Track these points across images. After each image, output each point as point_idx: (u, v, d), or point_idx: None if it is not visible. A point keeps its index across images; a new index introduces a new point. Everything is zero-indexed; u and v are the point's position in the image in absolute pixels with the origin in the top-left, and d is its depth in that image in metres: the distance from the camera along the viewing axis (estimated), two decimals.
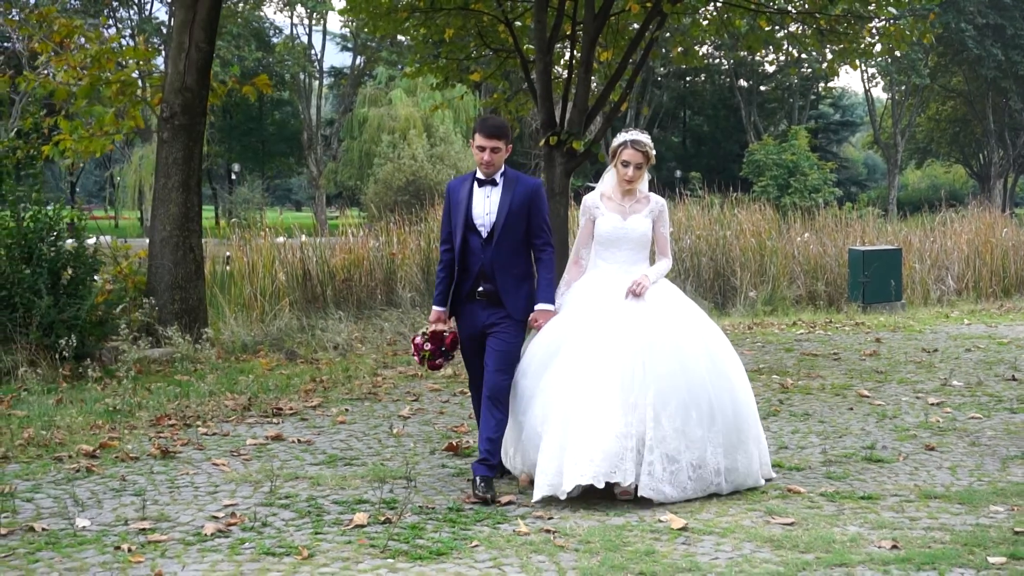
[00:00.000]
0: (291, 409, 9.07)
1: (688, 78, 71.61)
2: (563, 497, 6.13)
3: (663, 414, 6.23)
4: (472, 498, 6.34)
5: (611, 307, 6.55)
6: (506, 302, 6.57)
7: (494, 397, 6.54)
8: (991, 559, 5.18)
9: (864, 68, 62.91)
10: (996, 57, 57.55)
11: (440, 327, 6.81)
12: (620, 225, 6.77)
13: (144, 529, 5.75)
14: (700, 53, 63.41)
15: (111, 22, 57.64)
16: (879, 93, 71.83)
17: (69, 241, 11.75)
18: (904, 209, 52.85)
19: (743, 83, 68.69)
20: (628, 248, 6.77)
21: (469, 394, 7.37)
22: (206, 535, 5.65)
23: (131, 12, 61.07)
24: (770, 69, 65.42)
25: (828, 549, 5.36)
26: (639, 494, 6.16)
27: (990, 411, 8.99)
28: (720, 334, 6.83)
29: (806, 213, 26.23)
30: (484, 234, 6.57)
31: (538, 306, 6.65)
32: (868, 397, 9.61)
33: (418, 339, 6.87)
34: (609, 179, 6.91)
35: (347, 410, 9.16)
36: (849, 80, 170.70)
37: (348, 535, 5.65)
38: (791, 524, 5.82)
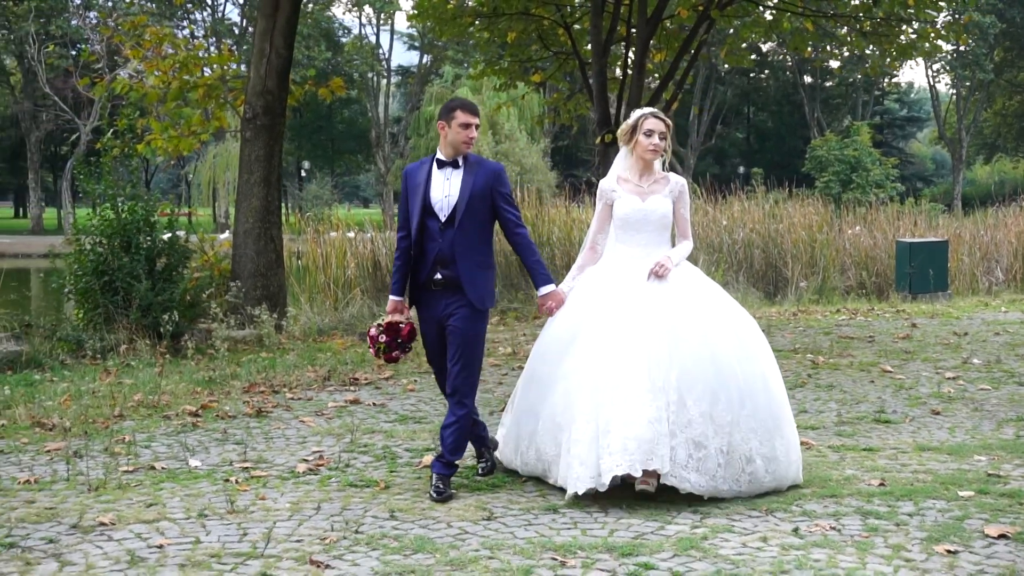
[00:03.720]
0: (366, 379, 10.15)
1: (752, 74, 72.04)
2: (603, 489, 5.91)
3: (688, 397, 5.99)
4: (431, 496, 6.17)
5: (633, 290, 6.32)
6: (467, 290, 6.26)
7: (457, 392, 6.30)
8: (961, 493, 6.10)
9: (928, 64, 63.06)
10: None
11: (397, 317, 6.52)
12: (639, 207, 6.50)
13: (246, 468, 6.86)
14: (764, 50, 62.93)
15: (184, 23, 59.37)
16: (946, 88, 71.77)
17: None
18: (971, 204, 53.05)
19: (807, 79, 69.00)
20: (649, 231, 6.51)
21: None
22: (299, 473, 6.74)
23: (204, 14, 62.73)
24: (834, 65, 65.66)
25: (824, 486, 6.31)
26: (661, 481, 5.94)
27: (1000, 384, 9.84)
28: (749, 318, 6.56)
29: (860, 207, 26.86)
30: (443, 218, 6.29)
31: (541, 290, 6.44)
32: (890, 372, 10.48)
33: (372, 331, 6.52)
34: (623, 161, 6.68)
35: (416, 380, 10.21)
36: (915, 75, 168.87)
37: (418, 473, 6.71)
38: None
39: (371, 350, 6.58)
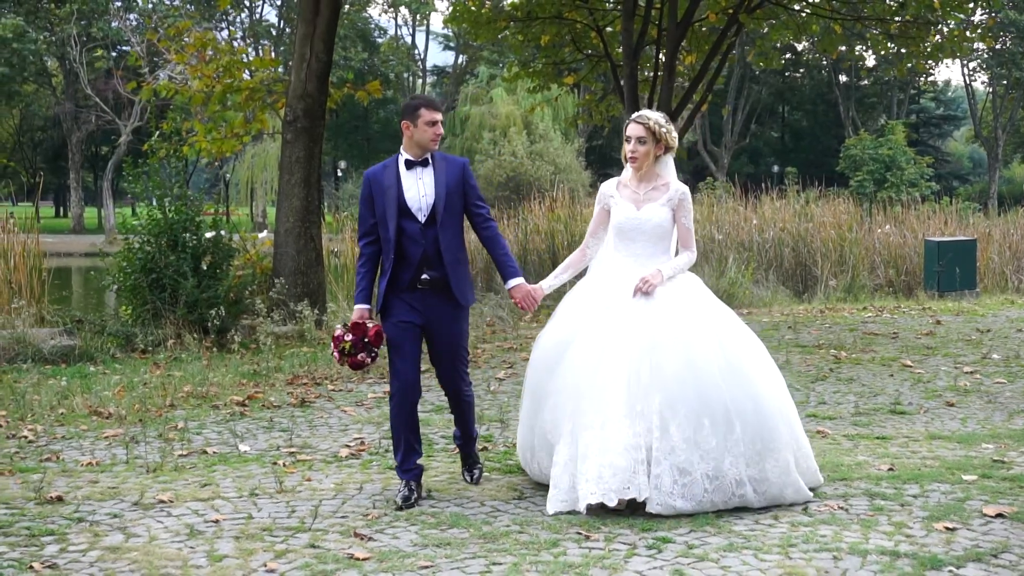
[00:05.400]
0: None
1: (786, 73, 72.05)
2: (582, 511, 5.79)
3: (671, 422, 5.77)
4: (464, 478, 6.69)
5: (618, 305, 6.11)
6: (454, 288, 6.20)
7: (455, 387, 6.52)
8: (965, 477, 6.47)
9: (964, 62, 62.94)
10: None
11: (365, 319, 6.27)
12: (633, 215, 6.27)
13: (293, 452, 7.33)
14: (799, 49, 62.74)
15: (223, 25, 60.13)
16: (982, 86, 71.53)
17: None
18: (1007, 203, 52.92)
19: (842, 78, 68.96)
20: (643, 241, 6.27)
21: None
22: (342, 457, 7.21)
23: (243, 15, 63.47)
24: (870, 63, 65.59)
25: (835, 470, 6.68)
26: (647, 510, 5.75)
27: (1016, 378, 10.17)
28: (745, 332, 6.24)
29: (893, 206, 27.08)
30: (422, 218, 6.16)
31: (509, 283, 6.37)
32: (910, 367, 10.82)
33: (338, 331, 6.27)
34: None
35: None
36: (951, 74, 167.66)
37: (453, 457, 7.14)
38: None
39: (335, 354, 6.31)
